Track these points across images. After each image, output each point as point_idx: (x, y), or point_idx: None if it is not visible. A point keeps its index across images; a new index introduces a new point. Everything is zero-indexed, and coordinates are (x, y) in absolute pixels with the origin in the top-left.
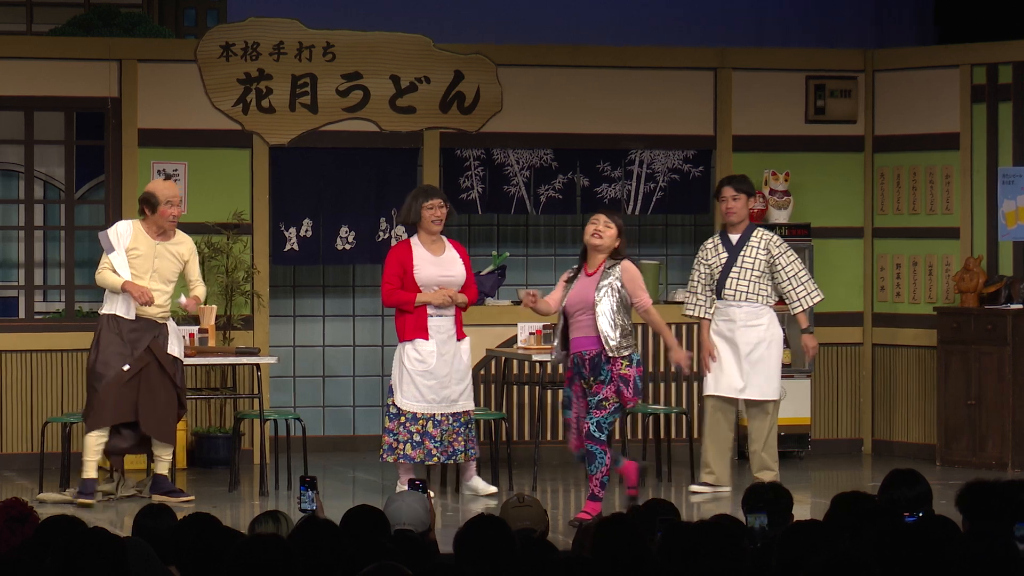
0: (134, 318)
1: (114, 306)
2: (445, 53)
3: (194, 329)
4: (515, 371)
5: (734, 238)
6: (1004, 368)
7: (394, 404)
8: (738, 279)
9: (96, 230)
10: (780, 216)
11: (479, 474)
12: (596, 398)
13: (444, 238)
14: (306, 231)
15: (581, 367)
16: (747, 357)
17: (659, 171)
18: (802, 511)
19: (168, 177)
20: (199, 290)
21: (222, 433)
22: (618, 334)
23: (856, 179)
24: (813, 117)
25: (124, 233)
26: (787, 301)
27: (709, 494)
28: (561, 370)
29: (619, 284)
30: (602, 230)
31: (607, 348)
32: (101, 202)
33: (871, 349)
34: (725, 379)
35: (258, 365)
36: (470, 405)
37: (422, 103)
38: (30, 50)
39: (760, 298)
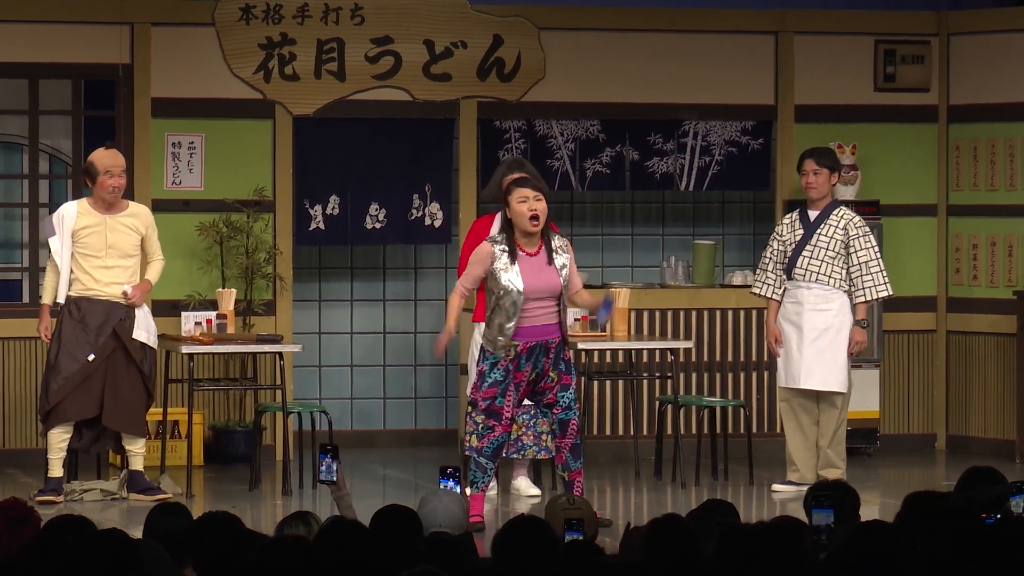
0: (75, 298)
1: (65, 294)
2: (483, 15)
3: (212, 315)
4: None
5: (812, 215)
6: None
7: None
8: (810, 258)
9: None
10: (846, 192)
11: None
12: (569, 389)
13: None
14: (333, 209)
15: (541, 356)
16: (812, 344)
17: (715, 144)
18: (870, 512)
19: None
20: (154, 268)
21: (242, 427)
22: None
23: (929, 152)
24: (882, 85)
25: (67, 215)
26: (852, 287)
27: (793, 493)
28: (480, 361)
29: (566, 264)
30: (538, 207)
31: (565, 334)
32: None
33: (945, 336)
34: (791, 369)
35: (280, 354)
36: None
37: (458, 70)
38: (35, 13)
39: (832, 280)
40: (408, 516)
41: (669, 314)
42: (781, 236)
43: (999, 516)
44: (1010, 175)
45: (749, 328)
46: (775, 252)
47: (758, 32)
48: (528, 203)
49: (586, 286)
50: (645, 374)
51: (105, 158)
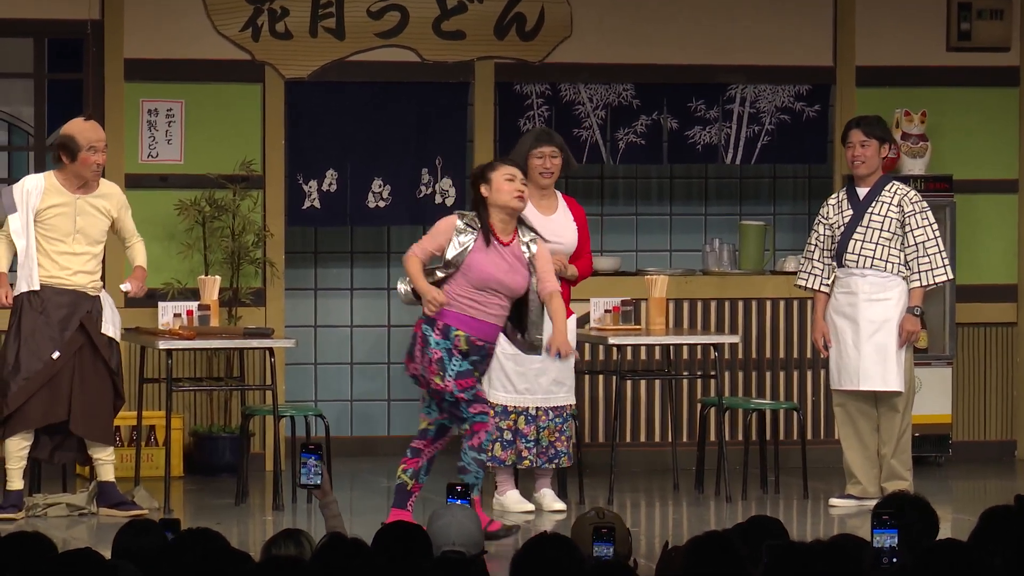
0: (38, 287)
1: (30, 280)
2: None
3: (193, 305)
4: (587, 357)
5: (862, 193)
6: None
7: None
8: (863, 242)
9: None
10: (915, 166)
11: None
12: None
13: (558, 193)
14: (330, 185)
15: (483, 357)
16: (870, 339)
17: (765, 111)
18: (942, 529)
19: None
20: (140, 251)
21: (227, 433)
22: None
23: (1009, 121)
24: (956, 44)
25: (33, 189)
26: (908, 271)
27: (854, 507)
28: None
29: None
30: (523, 191)
31: (516, 340)
32: None
33: None
34: (846, 369)
35: (271, 350)
36: (572, 399)
37: (473, 27)
38: None
39: (889, 266)
40: (416, 534)
41: (713, 305)
42: (828, 219)
43: None
44: None
45: (803, 321)
46: (821, 238)
47: None
48: (515, 183)
49: (619, 273)
50: (685, 373)
51: (88, 131)
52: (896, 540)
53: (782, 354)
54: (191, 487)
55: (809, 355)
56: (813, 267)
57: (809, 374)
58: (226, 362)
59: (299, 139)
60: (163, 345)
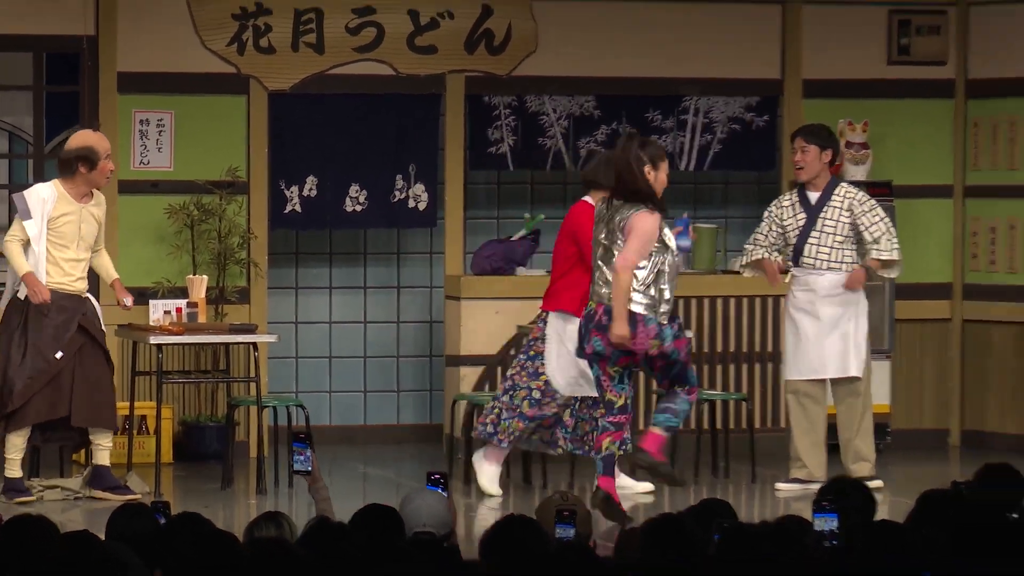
0: (23, 298)
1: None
2: None
3: (182, 303)
4: None
5: (813, 197)
6: None
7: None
8: (818, 245)
9: None
10: (857, 172)
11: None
12: None
13: None
14: (311, 190)
15: None
16: (832, 331)
17: (717, 121)
18: (880, 512)
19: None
20: (110, 264)
21: (214, 422)
22: None
23: (945, 130)
24: (896, 58)
25: (48, 198)
26: (867, 253)
27: (799, 491)
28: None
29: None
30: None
31: None
32: None
33: (961, 326)
34: (806, 359)
35: (255, 344)
36: None
37: (444, 42)
38: None
39: (844, 266)
40: (391, 516)
41: None
42: (781, 219)
43: (1018, 516)
44: None
45: (752, 317)
46: (772, 235)
47: (763, 1)
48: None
49: None
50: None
51: (102, 141)
52: (836, 524)
53: (732, 348)
54: (180, 473)
55: (758, 349)
56: (756, 250)
57: (757, 367)
58: (213, 356)
59: (281, 147)
60: (154, 340)
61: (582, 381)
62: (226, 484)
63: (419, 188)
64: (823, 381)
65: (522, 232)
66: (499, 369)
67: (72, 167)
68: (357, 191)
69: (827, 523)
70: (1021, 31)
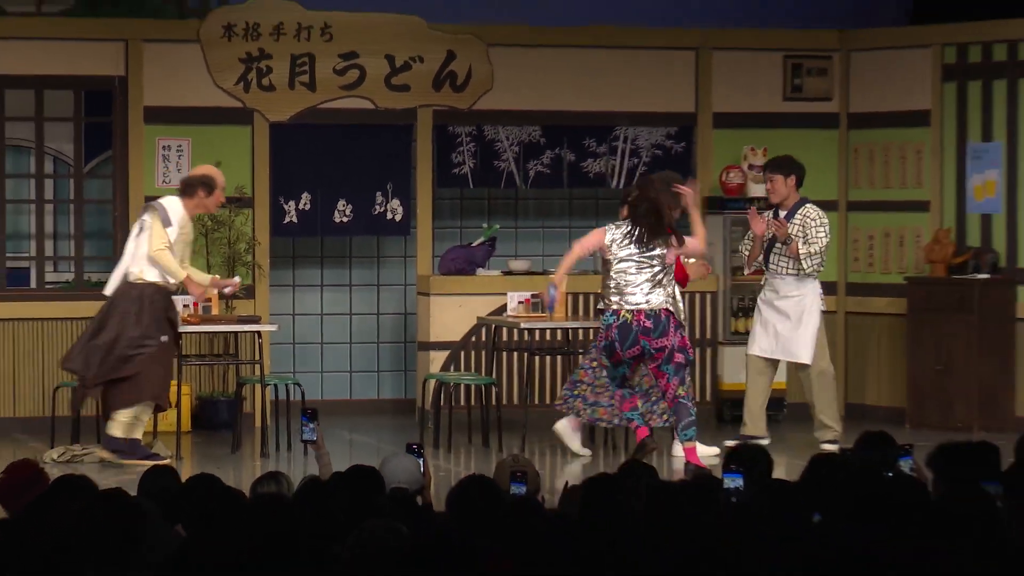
0: (175, 288)
1: (155, 274)
2: (438, 33)
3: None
4: (504, 338)
5: (782, 215)
6: (971, 335)
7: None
8: (780, 254)
9: (102, 203)
10: (758, 190)
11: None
12: None
13: None
14: (305, 204)
15: None
16: (788, 323)
17: (643, 147)
18: (779, 472)
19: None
20: (200, 272)
21: (225, 397)
22: None
23: (831, 155)
24: (790, 95)
25: (177, 213)
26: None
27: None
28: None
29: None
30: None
31: None
32: (109, 176)
33: (844, 317)
34: (765, 341)
35: (259, 332)
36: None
37: (416, 81)
38: (40, 30)
39: (799, 272)
40: (372, 475)
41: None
42: (756, 234)
43: (891, 474)
44: (902, 175)
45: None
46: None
47: (680, 48)
48: None
49: (529, 273)
50: (581, 350)
51: (221, 175)
52: (741, 482)
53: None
54: (197, 440)
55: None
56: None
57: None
58: (224, 342)
59: (280, 169)
60: (177, 329)
61: None
62: (235, 448)
63: (395, 203)
64: (775, 360)
65: (481, 239)
66: (462, 353)
67: (194, 190)
68: (344, 205)
69: (733, 482)
70: (892, 72)
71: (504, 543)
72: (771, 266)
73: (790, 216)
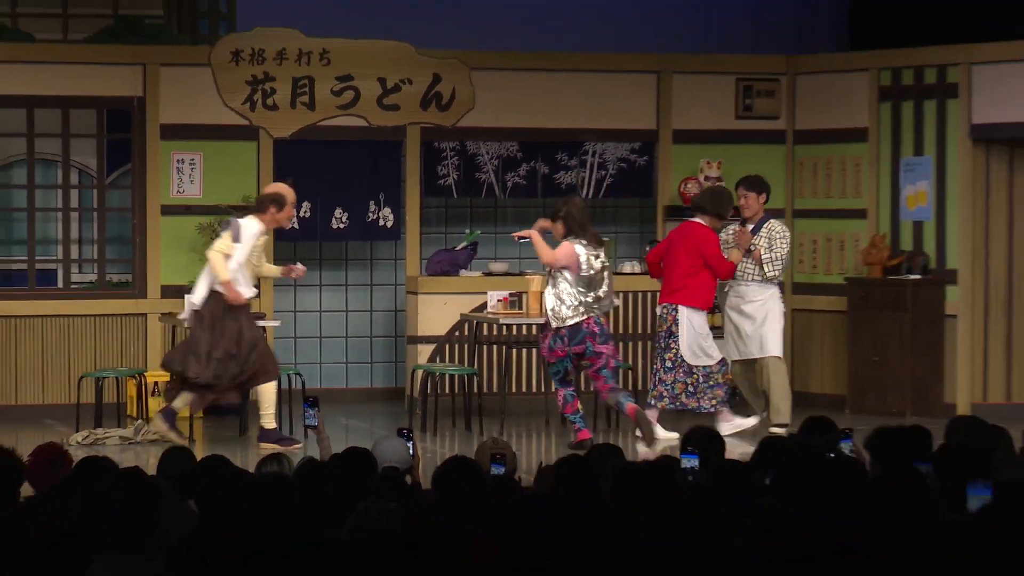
0: (248, 296)
1: (246, 291)
2: (425, 58)
3: None
4: (485, 332)
5: (749, 227)
6: (904, 330)
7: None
8: (746, 263)
9: (122, 211)
10: None
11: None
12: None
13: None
14: (305, 212)
15: None
16: (753, 324)
17: (609, 160)
18: (732, 453)
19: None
20: (270, 265)
21: None
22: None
23: (779, 168)
24: (742, 114)
25: (249, 230)
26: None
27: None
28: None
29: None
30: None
31: None
32: (128, 187)
33: (791, 314)
34: (742, 346)
35: (264, 327)
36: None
37: (405, 101)
38: (66, 56)
39: (763, 277)
40: (365, 456)
41: None
42: (727, 245)
43: (833, 455)
44: (842, 186)
45: (636, 306)
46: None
47: (643, 71)
48: None
49: (507, 274)
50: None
51: (292, 194)
52: (696, 462)
53: (620, 329)
54: (208, 424)
55: (640, 329)
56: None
57: (640, 343)
58: None
59: (283, 180)
60: (187, 324)
61: (700, 353)
62: (242, 432)
63: (387, 211)
64: (753, 360)
65: (464, 244)
66: (447, 346)
67: (266, 207)
68: (340, 213)
69: (689, 462)
70: (834, 94)
71: (485, 520)
72: (739, 273)
73: (756, 229)
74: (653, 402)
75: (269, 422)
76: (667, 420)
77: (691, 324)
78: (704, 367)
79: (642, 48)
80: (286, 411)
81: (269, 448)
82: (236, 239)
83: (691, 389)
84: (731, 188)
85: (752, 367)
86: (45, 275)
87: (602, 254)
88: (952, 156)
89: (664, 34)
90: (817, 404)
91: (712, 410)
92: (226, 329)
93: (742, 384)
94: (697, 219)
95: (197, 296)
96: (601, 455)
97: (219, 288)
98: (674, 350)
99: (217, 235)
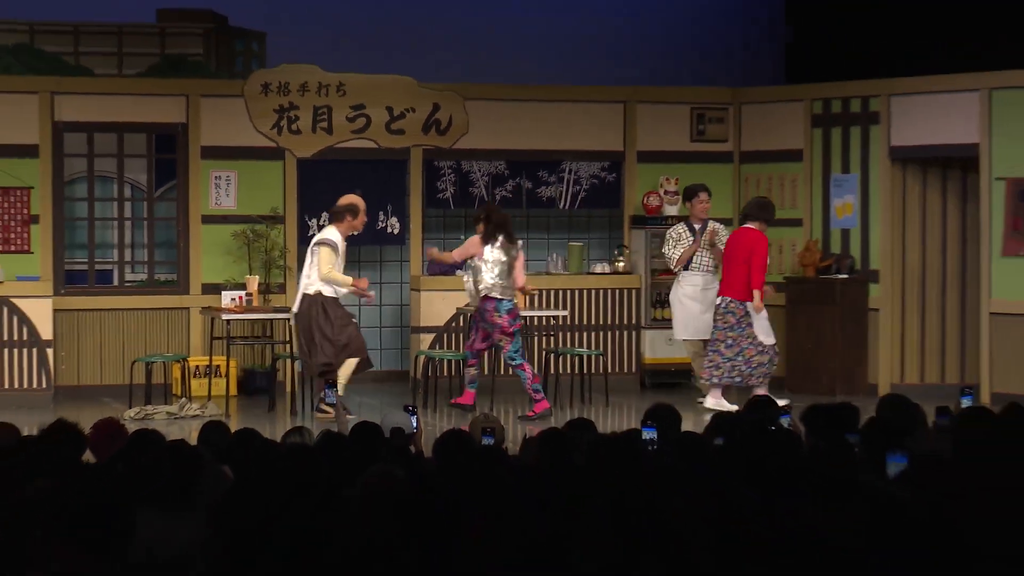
0: (337, 297)
1: (330, 291)
2: (426, 91)
3: (242, 293)
4: None
5: (696, 227)
6: (834, 322)
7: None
8: (700, 256)
9: (168, 220)
10: (672, 210)
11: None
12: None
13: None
14: (323, 222)
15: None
16: (706, 310)
17: (583, 177)
18: (687, 426)
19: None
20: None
21: (263, 369)
22: None
23: (727, 183)
24: (695, 137)
25: (337, 239)
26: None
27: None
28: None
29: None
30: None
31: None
32: (173, 200)
33: None
34: (694, 327)
35: (289, 319)
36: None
37: (409, 127)
38: (121, 88)
39: (714, 269)
40: (375, 429)
41: (552, 292)
42: (680, 239)
43: (775, 429)
44: (781, 199)
45: (605, 301)
46: (680, 244)
47: (612, 102)
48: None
49: None
50: (536, 332)
51: (362, 203)
52: (655, 435)
53: (592, 321)
54: (242, 402)
55: (609, 321)
56: (679, 251)
57: (609, 333)
58: (262, 327)
59: (305, 194)
60: (225, 317)
61: (769, 333)
62: (271, 408)
63: (394, 220)
64: (703, 340)
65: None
66: (445, 335)
67: (343, 216)
68: None
69: (650, 435)
70: (773, 120)
71: (476, 483)
72: (694, 265)
73: (703, 230)
74: (716, 380)
75: (340, 389)
76: (632, 398)
77: (748, 311)
78: (772, 345)
79: (611, 81)
80: (307, 391)
81: (329, 413)
82: (335, 251)
83: (744, 368)
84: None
85: (702, 345)
86: (103, 274)
87: (513, 250)
88: (874, 174)
89: (629, 70)
90: None
91: (758, 385)
92: (322, 324)
93: (695, 358)
94: (749, 225)
95: (295, 306)
96: (576, 429)
97: (312, 292)
98: (744, 334)
99: (252, 241)
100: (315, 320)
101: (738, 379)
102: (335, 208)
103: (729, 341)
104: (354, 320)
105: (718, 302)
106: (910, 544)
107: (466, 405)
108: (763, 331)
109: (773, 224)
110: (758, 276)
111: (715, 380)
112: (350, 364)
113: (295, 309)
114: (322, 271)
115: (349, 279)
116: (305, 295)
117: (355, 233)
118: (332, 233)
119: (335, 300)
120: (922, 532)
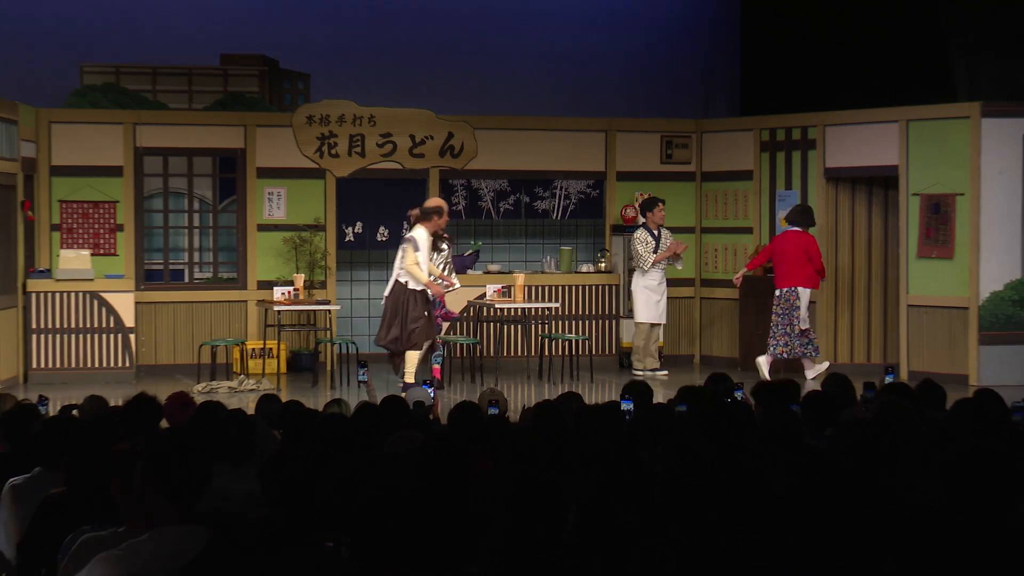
0: (420, 289)
1: (417, 284)
2: (442, 121)
3: (291, 288)
4: (484, 314)
5: (655, 232)
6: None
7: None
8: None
9: (230, 228)
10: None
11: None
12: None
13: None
14: (358, 229)
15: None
16: (660, 299)
17: (572, 192)
18: (658, 398)
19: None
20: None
21: (307, 352)
22: None
23: (691, 198)
24: (665, 160)
25: (422, 239)
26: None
27: (649, 374)
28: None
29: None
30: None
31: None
32: (234, 211)
33: (699, 301)
34: (655, 312)
35: (329, 310)
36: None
37: (428, 151)
38: (191, 119)
39: (666, 269)
40: (399, 402)
41: (546, 288)
42: (647, 242)
43: (731, 400)
44: (735, 211)
45: (589, 296)
46: (653, 248)
47: (596, 130)
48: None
49: (500, 273)
50: (533, 321)
51: (445, 204)
52: (632, 406)
53: (579, 311)
54: (290, 379)
55: (594, 311)
56: (652, 256)
57: (594, 322)
58: (307, 316)
59: (342, 206)
60: (277, 308)
61: (808, 320)
62: (314, 384)
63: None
64: (658, 324)
65: (469, 251)
66: (458, 323)
67: (430, 216)
68: (383, 230)
69: (627, 405)
70: (729, 146)
71: (484, 446)
72: (660, 264)
73: (659, 235)
74: (785, 355)
75: (409, 378)
76: (611, 375)
77: (806, 299)
78: (807, 331)
79: (595, 113)
80: (344, 369)
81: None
82: (416, 248)
83: (796, 343)
84: (656, 204)
85: (658, 329)
86: (175, 273)
87: (445, 248)
88: (811, 190)
89: (610, 104)
90: (718, 364)
91: (811, 357)
92: (405, 310)
93: (647, 340)
94: (795, 228)
95: (387, 291)
96: (566, 400)
97: (403, 281)
98: (797, 318)
99: (298, 245)
100: (401, 305)
101: (790, 353)
102: (424, 208)
103: (786, 320)
104: (427, 315)
105: (777, 293)
106: (841, 491)
107: (435, 379)
108: (803, 320)
109: (812, 225)
110: (822, 267)
111: (775, 353)
112: (413, 355)
113: (386, 292)
114: (406, 262)
115: (426, 278)
116: (397, 282)
117: (440, 232)
118: (419, 232)
119: (423, 294)
120: (850, 481)
